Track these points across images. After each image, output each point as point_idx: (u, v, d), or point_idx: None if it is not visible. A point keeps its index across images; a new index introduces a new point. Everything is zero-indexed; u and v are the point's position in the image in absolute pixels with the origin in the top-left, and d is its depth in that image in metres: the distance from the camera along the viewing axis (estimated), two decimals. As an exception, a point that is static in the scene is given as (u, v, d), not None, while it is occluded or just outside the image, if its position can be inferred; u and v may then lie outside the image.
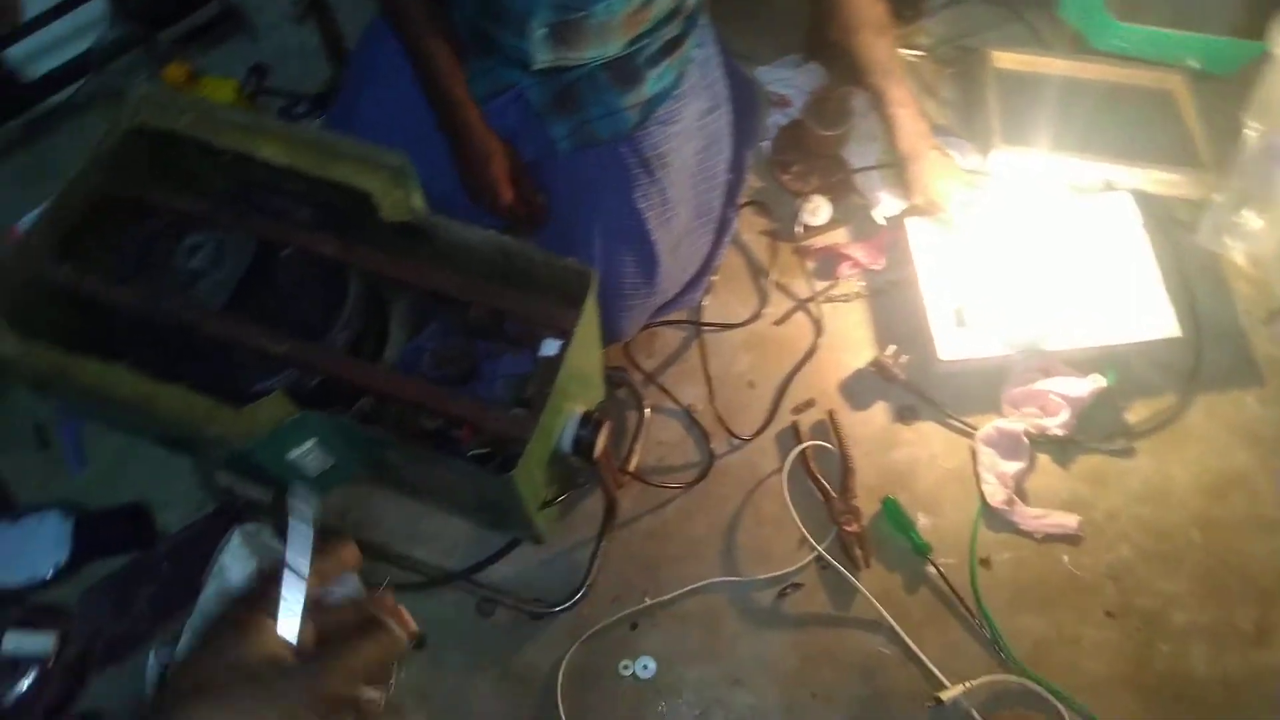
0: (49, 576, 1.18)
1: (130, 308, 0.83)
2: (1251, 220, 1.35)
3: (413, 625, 0.52)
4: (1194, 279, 1.37)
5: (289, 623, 0.44)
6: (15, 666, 1.11)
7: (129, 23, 1.57)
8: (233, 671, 0.43)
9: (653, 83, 1.10)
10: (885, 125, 1.32)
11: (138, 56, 1.59)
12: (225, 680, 0.43)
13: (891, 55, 1.29)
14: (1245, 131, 1.32)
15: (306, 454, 0.80)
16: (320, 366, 0.80)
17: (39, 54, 1.54)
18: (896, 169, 1.35)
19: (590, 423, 0.89)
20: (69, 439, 1.29)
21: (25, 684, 1.10)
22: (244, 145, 0.86)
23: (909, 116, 1.29)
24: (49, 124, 1.59)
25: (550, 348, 0.81)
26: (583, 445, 0.88)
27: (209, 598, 1.06)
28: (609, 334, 1.21)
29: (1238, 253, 1.38)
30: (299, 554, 0.45)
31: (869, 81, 1.29)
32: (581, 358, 0.87)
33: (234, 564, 1.04)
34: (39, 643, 1.12)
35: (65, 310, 0.88)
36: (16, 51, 1.50)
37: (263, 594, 0.48)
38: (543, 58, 1.03)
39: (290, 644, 0.45)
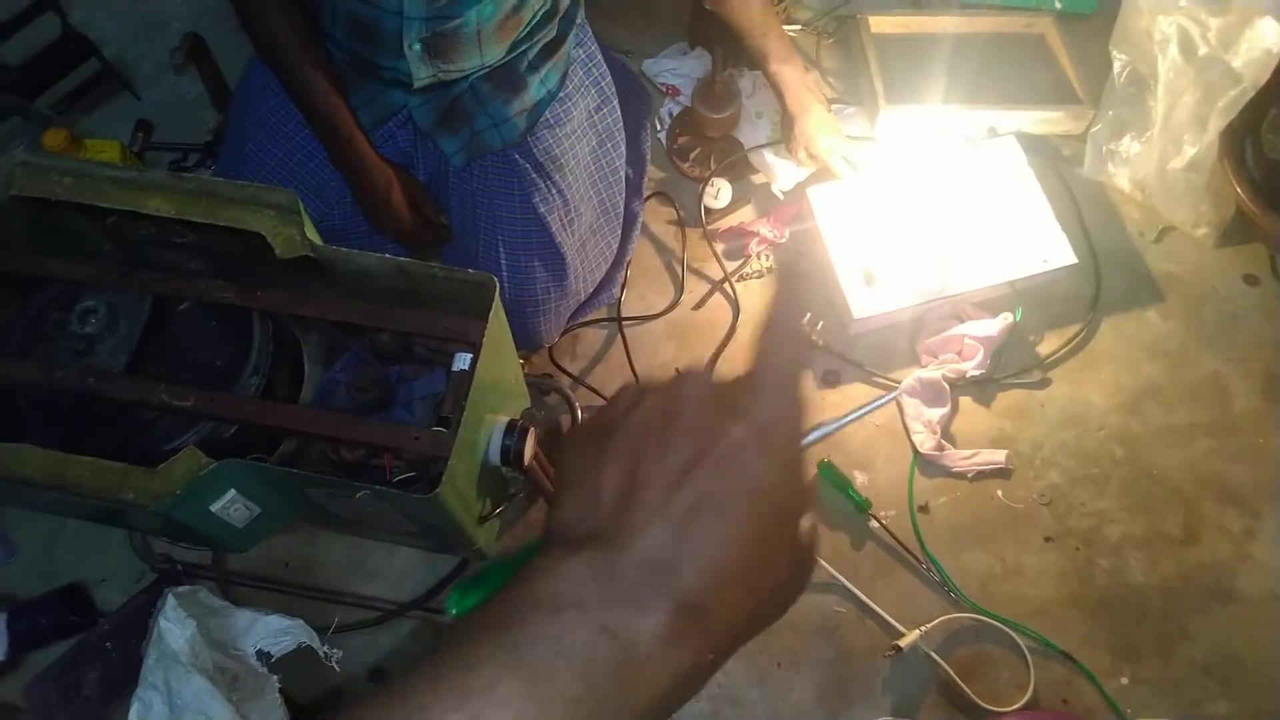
0: (-10, 675, 1.15)
1: (28, 383, 0.81)
2: (1130, 146, 1.40)
3: None
4: (1085, 210, 1.43)
5: None
6: (-34, 773, 1.08)
7: (2, 94, 1.52)
8: None
9: (537, 87, 1.11)
10: (771, 84, 1.34)
11: (16, 125, 1.54)
12: None
13: (768, 14, 1.30)
14: (1113, 64, 1.38)
15: (230, 505, 0.80)
16: (231, 415, 0.79)
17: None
18: (785, 128, 1.37)
19: (515, 431, 0.89)
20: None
21: (-22, 790, 1.07)
22: (129, 202, 0.85)
23: (793, 72, 1.31)
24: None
25: (461, 361, 0.81)
26: (511, 454, 0.88)
27: (151, 667, 1.04)
28: (528, 341, 1.21)
29: (1122, 179, 1.44)
30: None
31: (749, 45, 1.31)
32: (495, 367, 0.87)
33: (172, 628, 1.03)
34: (-12, 746, 1.09)
35: (-40, 396, 0.86)
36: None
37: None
38: (422, 74, 1.03)
39: None
